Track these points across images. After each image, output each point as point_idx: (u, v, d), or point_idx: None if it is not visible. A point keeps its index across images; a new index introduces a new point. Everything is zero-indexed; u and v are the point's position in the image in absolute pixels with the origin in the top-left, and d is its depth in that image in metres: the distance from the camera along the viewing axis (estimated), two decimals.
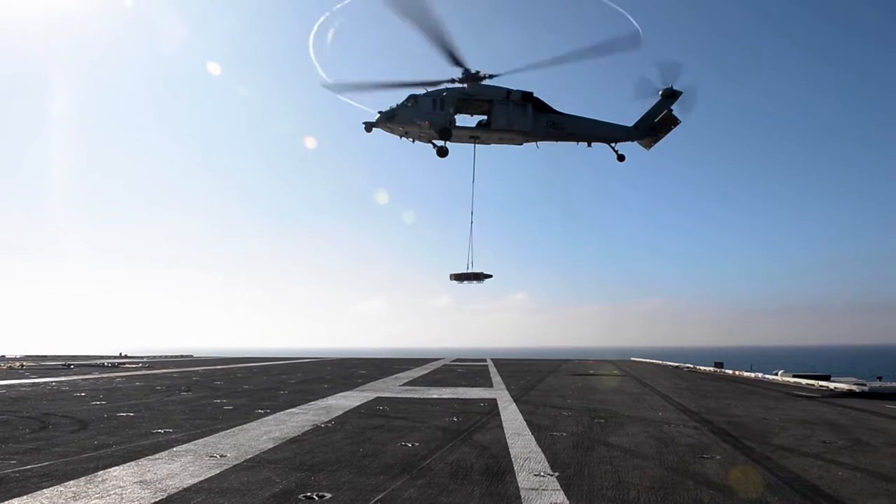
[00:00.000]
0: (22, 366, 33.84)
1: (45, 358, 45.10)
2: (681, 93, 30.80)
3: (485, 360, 44.19)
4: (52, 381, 23.49)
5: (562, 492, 7.01)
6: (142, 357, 49.87)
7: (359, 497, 6.75)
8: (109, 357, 47.88)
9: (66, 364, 36.19)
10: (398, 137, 29.98)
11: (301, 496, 6.76)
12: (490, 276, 34.75)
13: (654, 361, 43.44)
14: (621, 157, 31.91)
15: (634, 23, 29.18)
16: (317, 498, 6.70)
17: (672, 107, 31.18)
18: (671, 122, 31.13)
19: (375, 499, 6.68)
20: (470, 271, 34.37)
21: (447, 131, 29.63)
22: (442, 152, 30.53)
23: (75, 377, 26.07)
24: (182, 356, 53.58)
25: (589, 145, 31.27)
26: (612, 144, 31.61)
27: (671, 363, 39.24)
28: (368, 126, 29.39)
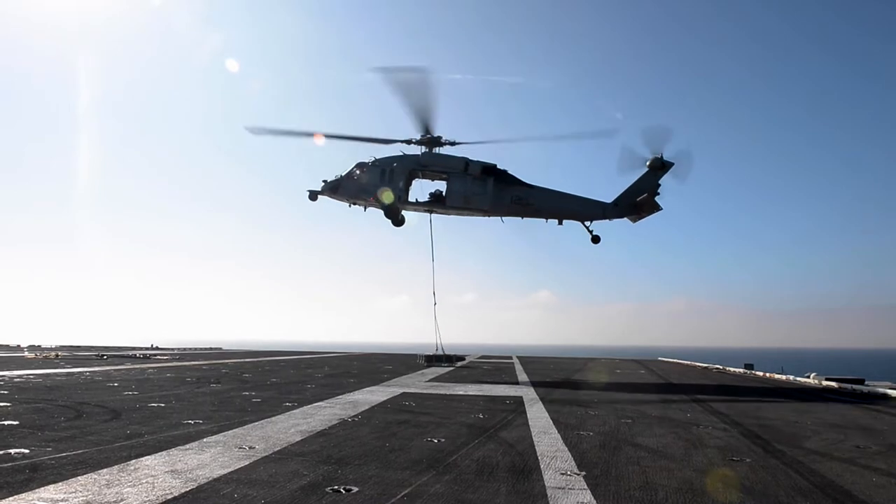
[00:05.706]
0: (57, 356, 34.66)
1: (79, 348, 46.15)
2: (672, 164, 25.57)
3: (510, 358, 44.09)
4: (85, 371, 24.03)
5: (588, 491, 6.95)
6: (172, 349, 50.73)
7: (385, 491, 6.78)
8: (141, 348, 48.81)
9: (100, 355, 37.00)
10: (347, 206, 27.41)
11: (328, 489, 6.81)
12: (462, 358, 32.41)
13: (682, 362, 42.89)
14: (596, 239, 26.64)
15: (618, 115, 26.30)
16: (344, 491, 6.74)
17: (661, 180, 25.78)
18: (652, 207, 26.02)
19: (402, 493, 6.70)
20: (442, 354, 32.74)
21: (395, 209, 26.61)
22: (398, 222, 27.27)
23: (108, 367, 26.64)
24: (211, 349, 54.38)
25: (560, 223, 26.58)
26: (587, 223, 26.57)
27: (699, 364, 38.71)
28: (313, 195, 27.18)
